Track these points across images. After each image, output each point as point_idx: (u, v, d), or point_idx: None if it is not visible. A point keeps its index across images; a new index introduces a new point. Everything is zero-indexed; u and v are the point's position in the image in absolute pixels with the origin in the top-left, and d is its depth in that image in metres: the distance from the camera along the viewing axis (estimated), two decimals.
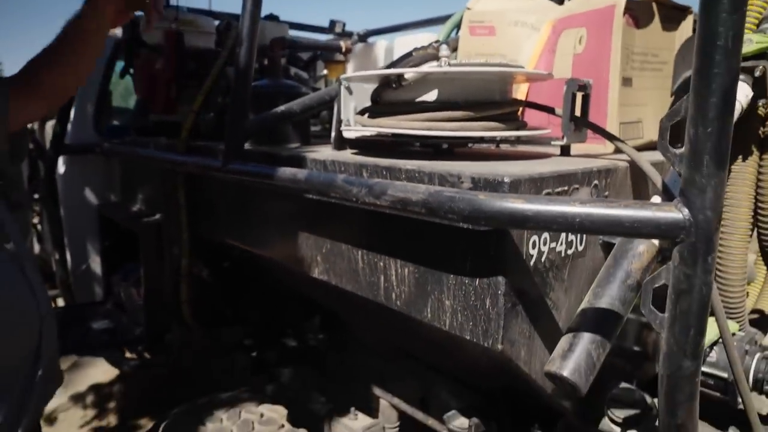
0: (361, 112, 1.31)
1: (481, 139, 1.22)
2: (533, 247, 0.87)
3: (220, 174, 1.37)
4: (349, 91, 1.34)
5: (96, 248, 2.43)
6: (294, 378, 1.80)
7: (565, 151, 1.12)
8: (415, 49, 1.50)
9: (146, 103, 2.28)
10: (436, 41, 1.40)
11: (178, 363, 2.02)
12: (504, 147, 1.40)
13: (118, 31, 2.55)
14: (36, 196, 2.97)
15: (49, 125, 3.28)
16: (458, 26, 2.00)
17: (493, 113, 1.09)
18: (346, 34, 3.17)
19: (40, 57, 1.28)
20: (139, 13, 2.42)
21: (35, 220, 3.31)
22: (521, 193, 0.83)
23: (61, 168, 2.40)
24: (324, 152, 1.31)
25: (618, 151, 1.07)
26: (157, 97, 2.09)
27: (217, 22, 2.21)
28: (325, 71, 1.78)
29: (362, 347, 1.66)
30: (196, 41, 2.08)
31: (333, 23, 3.15)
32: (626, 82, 1.25)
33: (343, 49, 1.87)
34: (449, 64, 1.06)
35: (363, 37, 3.20)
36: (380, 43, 2.20)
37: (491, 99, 1.14)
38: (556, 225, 0.67)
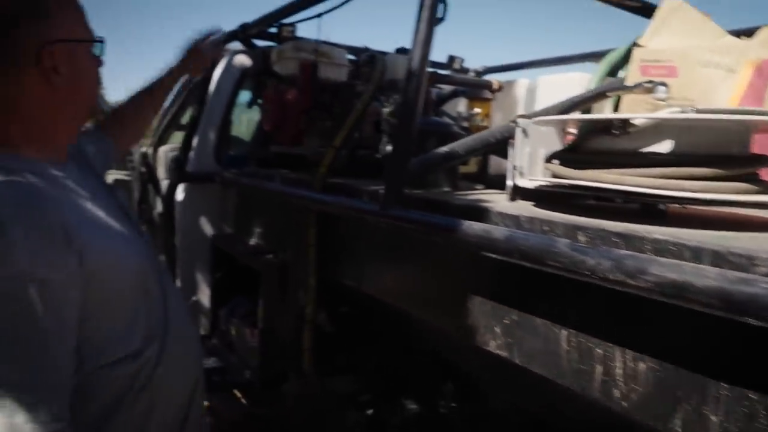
0: (549, 159, 1.13)
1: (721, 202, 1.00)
2: None
3: (376, 219, 1.22)
4: (525, 134, 1.17)
5: (206, 279, 2.37)
6: None
7: None
8: (596, 91, 1.32)
9: (267, 134, 2.22)
10: (640, 83, 1.20)
11: (292, 415, 1.88)
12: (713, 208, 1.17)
13: (246, 61, 2.54)
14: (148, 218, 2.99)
15: (162, 150, 3.35)
16: (616, 66, 1.80)
17: (742, 171, 0.88)
18: (463, 70, 3.04)
19: (134, 103, 1.41)
20: (270, 43, 2.42)
21: None
22: None
23: (179, 195, 2.37)
24: (499, 203, 1.13)
25: None
26: (285, 128, 2.01)
27: (349, 56, 2.14)
28: (477, 110, 1.63)
29: (505, 426, 1.45)
30: (329, 73, 2.00)
31: (452, 59, 3.03)
32: None
33: (495, 87, 1.72)
34: (695, 110, 0.86)
35: (480, 75, 3.06)
36: (521, 83, 2.04)
37: (729, 152, 0.93)
38: None
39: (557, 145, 1.22)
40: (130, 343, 0.94)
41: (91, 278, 0.87)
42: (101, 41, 0.98)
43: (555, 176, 1.08)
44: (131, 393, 0.94)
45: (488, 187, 1.59)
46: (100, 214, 0.94)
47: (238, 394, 1.93)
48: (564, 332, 0.90)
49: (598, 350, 0.85)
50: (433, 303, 1.24)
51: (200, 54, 1.54)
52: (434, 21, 1.19)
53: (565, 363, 0.90)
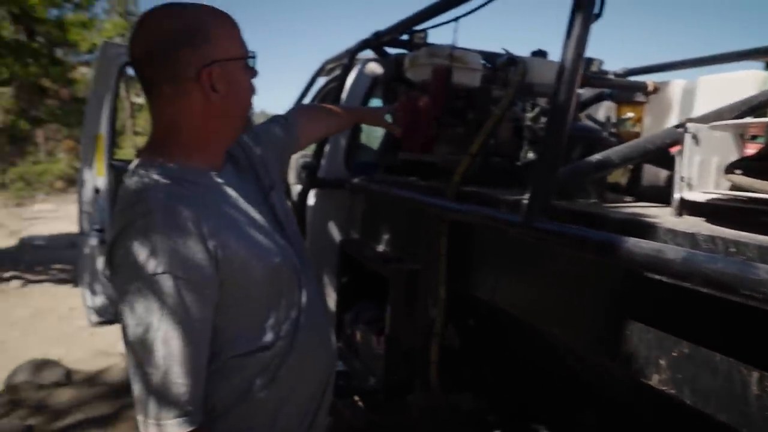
0: (729, 170, 0.98)
1: None
2: None
3: (517, 231, 1.14)
4: (696, 141, 1.02)
5: (333, 284, 2.42)
6: None
7: None
8: None
9: (395, 141, 2.22)
10: None
11: (414, 428, 1.84)
12: None
13: (377, 69, 2.57)
14: None
15: (294, 157, 3.49)
16: None
17: None
18: (601, 73, 2.83)
19: (329, 109, 1.59)
20: (402, 51, 2.42)
21: None
22: None
23: (311, 200, 2.45)
24: (663, 218, 1.01)
25: None
26: (415, 135, 1.99)
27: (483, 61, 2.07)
28: (630, 114, 1.49)
29: None
30: (462, 79, 1.95)
31: (589, 61, 2.84)
32: None
33: (651, 89, 1.56)
34: None
35: (622, 77, 2.83)
36: (676, 83, 1.84)
37: None
38: None
39: (734, 154, 1.06)
40: (261, 337, 1.01)
41: (226, 278, 0.94)
42: (253, 56, 1.04)
43: (736, 188, 0.93)
44: (262, 382, 1.01)
45: (640, 199, 1.44)
46: (241, 217, 1.01)
47: (361, 401, 1.93)
48: (755, 374, 0.76)
49: None
50: (579, 325, 1.14)
51: (380, 118, 1.79)
52: (591, 17, 1.09)
53: (756, 411, 0.76)
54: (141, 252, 0.87)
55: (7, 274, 7.05)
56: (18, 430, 3.01)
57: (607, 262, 0.95)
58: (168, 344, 0.87)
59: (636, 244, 0.84)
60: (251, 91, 1.05)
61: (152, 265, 0.86)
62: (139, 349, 0.88)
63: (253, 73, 1.05)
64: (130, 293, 0.88)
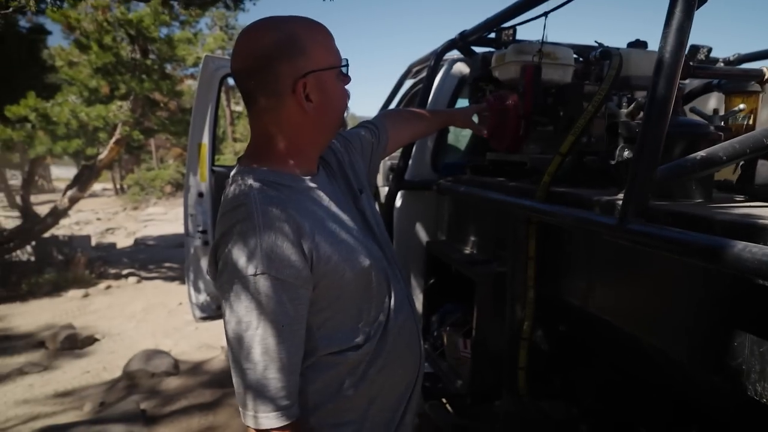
0: None
1: None
2: None
3: (612, 234, 1.09)
4: None
5: (420, 285, 2.43)
6: None
7: None
8: None
9: (483, 141, 2.18)
10: None
11: None
12: None
13: (464, 69, 2.55)
14: None
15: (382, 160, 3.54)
16: None
17: None
18: (711, 61, 2.62)
19: (418, 112, 1.62)
20: (489, 49, 2.38)
21: None
22: None
23: (398, 202, 2.47)
24: None
25: None
26: (504, 134, 1.95)
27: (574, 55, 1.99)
28: (742, 105, 1.36)
29: None
30: (553, 75, 1.88)
31: (696, 48, 2.63)
32: None
33: (767, 77, 1.42)
34: None
35: (734, 64, 2.60)
36: None
37: None
38: None
39: None
40: (353, 337, 1.05)
41: (320, 278, 0.98)
42: (346, 65, 1.06)
43: None
44: (352, 380, 1.05)
45: (753, 199, 1.31)
46: (334, 220, 1.04)
47: (447, 404, 1.92)
48: None
49: None
50: (680, 336, 1.06)
51: (469, 118, 1.80)
52: (694, 3, 1.01)
53: None
54: (241, 254, 0.92)
55: (125, 272, 7.76)
56: (134, 413, 3.29)
57: (712, 267, 0.88)
58: (265, 342, 0.92)
59: (745, 248, 0.77)
60: (345, 97, 1.08)
61: (251, 267, 0.91)
62: (239, 346, 0.93)
63: (346, 79, 1.08)
64: (231, 293, 0.93)
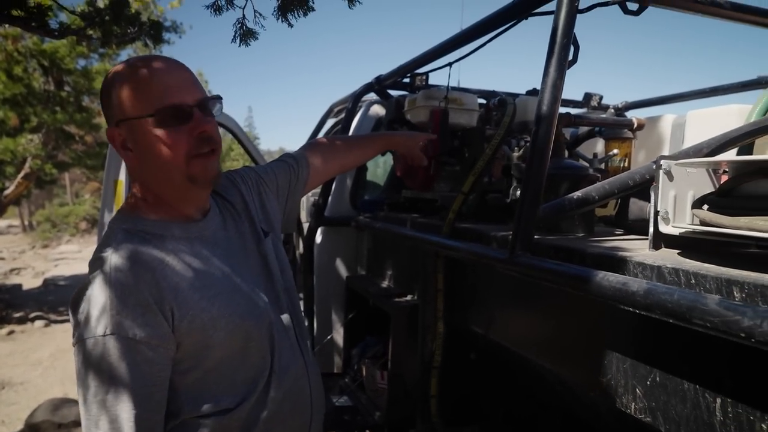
0: (697, 204, 1.03)
1: None
2: None
3: (502, 266, 1.19)
4: (669, 176, 1.07)
5: (340, 319, 2.47)
6: None
7: None
8: (758, 125, 1.18)
9: (399, 179, 2.29)
10: None
11: None
12: None
13: (380, 111, 2.68)
14: None
15: (305, 196, 3.59)
16: None
17: None
18: (602, 108, 2.90)
19: (343, 142, 1.53)
20: (402, 93, 2.52)
21: None
22: None
23: (318, 238, 2.52)
24: (640, 251, 1.05)
25: None
26: (416, 173, 2.06)
27: (480, 100, 2.16)
28: (615, 150, 1.54)
29: None
30: (459, 119, 2.03)
31: (589, 96, 2.92)
32: None
33: (635, 126, 1.62)
34: None
35: (622, 111, 2.90)
36: (666, 118, 1.89)
37: None
38: None
39: (708, 188, 1.11)
40: (224, 399, 0.98)
41: (184, 337, 0.92)
42: (157, 113, 0.93)
43: (703, 223, 0.98)
44: None
45: (628, 232, 1.48)
46: (211, 273, 0.98)
47: None
48: (718, 400, 0.79)
49: (762, 425, 0.73)
50: (565, 356, 1.17)
51: (414, 144, 1.68)
52: (565, 64, 1.16)
53: None
54: (92, 312, 0.87)
55: (31, 315, 7.22)
56: None
57: (585, 295, 1.00)
58: (114, 409, 0.85)
59: (604, 277, 0.89)
60: (180, 143, 0.95)
61: (101, 327, 0.86)
62: (86, 412, 0.87)
63: (181, 121, 0.94)
64: (81, 354, 0.87)
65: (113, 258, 0.91)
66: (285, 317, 1.11)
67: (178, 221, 1.01)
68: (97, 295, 0.88)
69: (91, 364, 0.87)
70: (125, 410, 0.86)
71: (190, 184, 0.99)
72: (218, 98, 1.01)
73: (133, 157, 0.97)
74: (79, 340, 0.88)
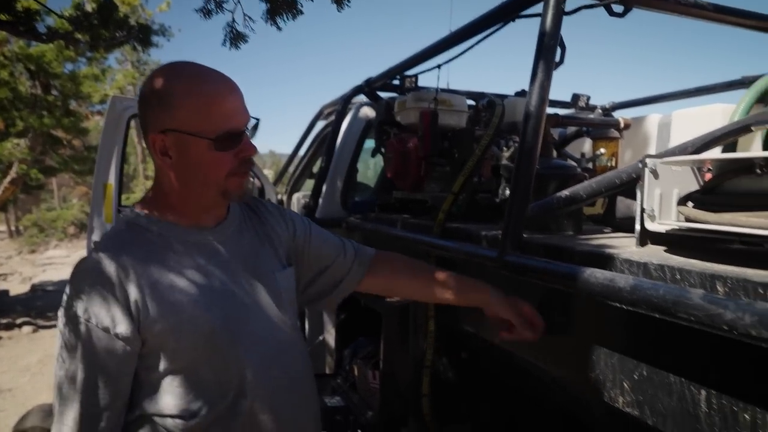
0: (682, 201, 1.05)
1: None
2: None
3: (492, 265, 1.21)
4: (655, 174, 1.10)
5: (332, 320, 2.47)
6: None
7: None
8: (740, 124, 1.21)
9: (389, 180, 2.31)
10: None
11: None
12: None
13: (370, 113, 2.69)
14: None
15: (295, 197, 3.60)
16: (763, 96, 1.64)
17: None
18: (589, 108, 2.94)
19: (418, 271, 1.31)
20: (392, 94, 2.54)
21: None
22: None
23: None
24: (626, 248, 1.07)
25: None
26: (406, 174, 2.08)
27: (470, 101, 2.18)
28: (602, 150, 1.57)
29: None
30: (449, 120, 2.05)
31: (576, 97, 2.95)
32: None
33: (622, 126, 1.65)
34: None
35: (609, 111, 2.93)
36: (652, 118, 1.92)
37: None
38: None
39: (693, 185, 1.13)
40: (189, 403, 0.96)
41: (149, 336, 0.94)
42: (217, 139, 0.94)
43: (688, 220, 1.00)
44: None
45: (616, 230, 1.50)
46: (196, 277, 0.98)
47: None
48: (703, 392, 0.81)
49: (745, 416, 0.75)
50: (554, 353, 1.19)
51: (518, 314, 1.18)
52: (552, 65, 1.18)
53: (705, 427, 0.81)
54: (72, 296, 0.93)
55: (19, 321, 7.15)
56: None
57: (573, 292, 1.01)
58: (72, 384, 0.91)
59: (592, 274, 0.91)
60: (222, 167, 0.97)
61: (74, 310, 0.92)
62: (56, 385, 0.94)
63: (233, 147, 0.97)
64: (59, 330, 0.95)
65: (99, 248, 0.96)
66: (281, 335, 1.08)
67: (186, 225, 1.02)
68: (79, 282, 0.94)
69: (62, 339, 0.94)
70: (81, 389, 0.92)
71: (222, 198, 1.02)
72: (258, 120, 1.03)
73: (172, 165, 0.97)
74: (60, 318, 0.96)
